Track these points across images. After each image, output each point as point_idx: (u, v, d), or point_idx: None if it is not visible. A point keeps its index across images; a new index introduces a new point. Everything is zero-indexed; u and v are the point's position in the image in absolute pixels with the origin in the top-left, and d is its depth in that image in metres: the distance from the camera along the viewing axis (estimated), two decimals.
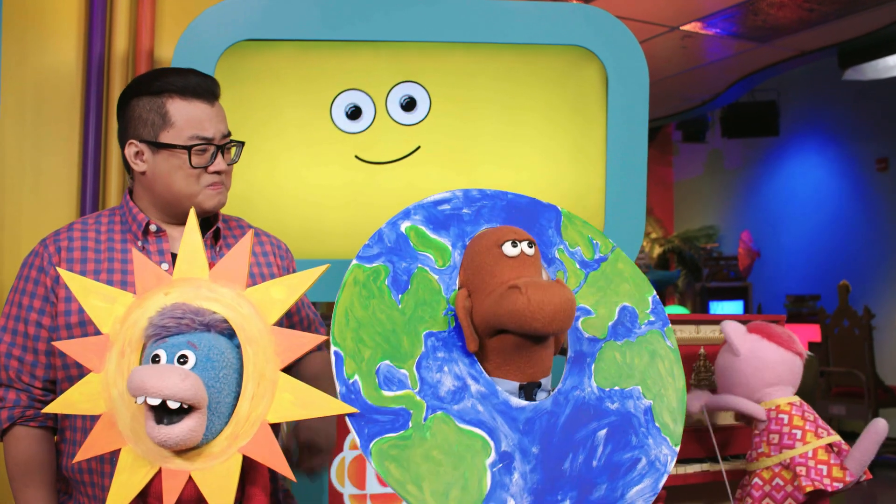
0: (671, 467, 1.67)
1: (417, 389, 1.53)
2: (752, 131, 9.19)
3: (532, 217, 1.78)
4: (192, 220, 1.56)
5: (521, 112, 2.67)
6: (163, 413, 1.35)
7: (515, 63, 2.65)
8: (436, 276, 1.64)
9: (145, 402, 1.33)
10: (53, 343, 1.60)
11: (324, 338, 1.48)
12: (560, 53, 2.65)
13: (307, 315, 2.08)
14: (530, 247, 1.60)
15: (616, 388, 1.70)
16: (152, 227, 1.88)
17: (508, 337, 1.56)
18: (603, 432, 1.64)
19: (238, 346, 1.45)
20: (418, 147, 2.61)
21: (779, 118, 9.15)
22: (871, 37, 6.79)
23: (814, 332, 8.00)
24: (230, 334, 1.45)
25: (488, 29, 2.58)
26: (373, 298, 1.57)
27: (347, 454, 2.57)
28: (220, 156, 1.85)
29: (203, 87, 1.85)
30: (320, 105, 2.58)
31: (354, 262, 1.60)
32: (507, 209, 1.76)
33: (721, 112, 9.28)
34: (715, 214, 10.79)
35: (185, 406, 1.34)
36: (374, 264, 1.60)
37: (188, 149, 1.81)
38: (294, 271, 2.06)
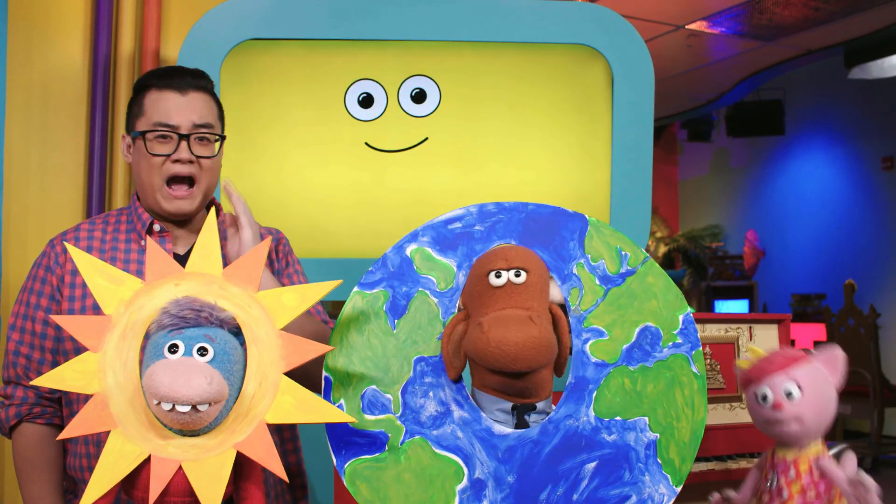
0: None
1: (399, 414, 1.56)
2: (758, 130, 9.17)
3: (553, 229, 1.70)
4: (211, 216, 1.56)
5: (527, 110, 2.67)
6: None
7: (522, 62, 2.65)
8: (435, 300, 1.62)
9: (172, 408, 1.33)
10: (52, 316, 1.59)
11: (330, 348, 1.50)
12: (566, 52, 2.66)
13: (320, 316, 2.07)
14: (518, 275, 1.55)
15: (617, 418, 1.61)
16: (156, 227, 1.88)
17: (492, 375, 1.54)
18: (592, 465, 1.59)
19: (243, 345, 1.46)
20: (426, 138, 2.61)
21: (784, 117, 9.13)
22: (877, 35, 6.78)
23: (819, 331, 7.99)
24: (237, 332, 1.46)
25: (494, 27, 2.59)
26: (368, 324, 1.60)
27: None
28: (185, 145, 1.82)
29: (178, 79, 1.86)
30: (333, 93, 2.58)
31: (356, 289, 1.62)
32: (524, 222, 1.70)
33: (726, 111, 9.27)
34: (720, 213, 10.77)
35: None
36: (374, 290, 1.62)
37: (143, 134, 1.82)
38: (291, 262, 2.05)
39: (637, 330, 1.66)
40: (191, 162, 1.82)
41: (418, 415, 1.57)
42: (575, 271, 1.69)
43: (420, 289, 1.63)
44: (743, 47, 7.14)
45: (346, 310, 1.60)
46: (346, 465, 1.53)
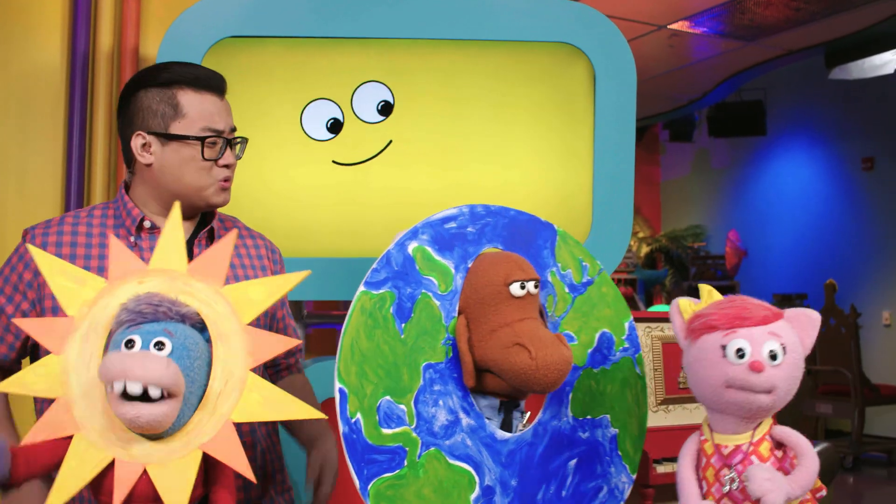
0: (627, 494, 1.70)
1: (414, 426, 1.54)
2: (739, 131, 9.20)
3: (531, 237, 1.75)
4: (176, 213, 1.52)
5: (508, 110, 2.66)
6: (136, 400, 1.30)
7: (502, 60, 2.63)
8: (437, 303, 1.62)
9: (123, 389, 1.28)
10: (13, 321, 1.56)
11: (297, 342, 1.47)
12: (547, 51, 2.64)
13: (285, 322, 2.05)
14: (536, 287, 1.59)
15: (588, 416, 1.71)
16: (146, 224, 1.84)
17: (503, 382, 1.56)
18: (573, 462, 1.67)
19: (209, 341, 1.42)
20: (390, 141, 2.59)
21: (765, 117, 9.16)
22: (858, 36, 6.81)
23: None
24: (202, 328, 1.43)
25: (475, 26, 2.57)
26: (377, 329, 1.56)
27: None
28: (228, 149, 1.84)
29: (214, 80, 1.85)
30: (292, 117, 2.56)
31: (362, 288, 1.58)
32: (508, 227, 1.73)
33: (708, 111, 9.30)
34: (702, 214, 10.80)
35: (165, 394, 1.31)
36: (380, 291, 1.59)
37: (202, 140, 1.79)
38: (283, 268, 2.04)
39: (597, 335, 1.77)
40: (230, 165, 1.86)
41: (431, 425, 1.55)
42: (549, 279, 1.74)
43: (423, 291, 1.61)
44: (724, 47, 7.16)
45: (354, 313, 1.55)
46: (369, 487, 1.48)
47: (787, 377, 1.48)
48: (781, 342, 1.48)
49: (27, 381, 1.41)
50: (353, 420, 1.50)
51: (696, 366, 1.51)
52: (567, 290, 1.76)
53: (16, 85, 2.77)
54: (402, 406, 1.54)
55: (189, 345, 1.37)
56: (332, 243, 2.55)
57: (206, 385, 1.40)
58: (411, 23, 2.54)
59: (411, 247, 1.63)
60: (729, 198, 10.44)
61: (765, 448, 1.50)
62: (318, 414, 1.43)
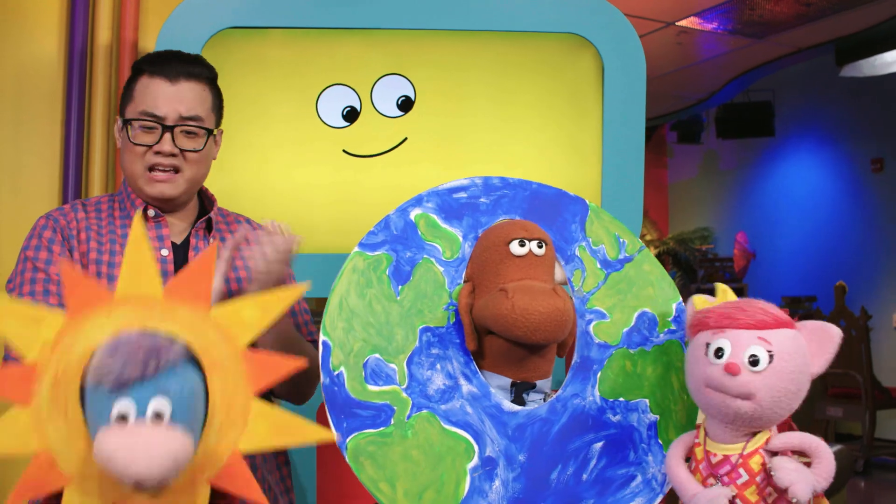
0: (667, 488, 1.56)
1: (405, 386, 1.49)
2: (747, 132, 9.16)
3: (556, 210, 1.70)
4: (138, 225, 1.27)
5: (512, 103, 2.59)
6: None
7: (507, 52, 2.57)
8: (441, 269, 1.59)
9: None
10: None
11: (301, 361, 1.27)
12: (553, 41, 2.58)
13: (301, 320, 1.98)
14: (540, 246, 1.54)
15: (621, 399, 1.61)
16: (150, 213, 1.81)
17: (500, 339, 1.51)
18: (599, 445, 1.57)
19: (200, 370, 1.25)
20: (405, 139, 2.54)
21: (774, 118, 9.12)
22: (869, 32, 6.74)
23: None
24: (190, 357, 1.24)
25: (478, 16, 2.51)
26: (370, 288, 1.53)
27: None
28: (169, 137, 1.76)
29: (170, 65, 1.79)
30: (306, 101, 2.51)
31: (356, 249, 1.56)
32: (530, 200, 1.69)
33: (716, 112, 9.26)
34: (710, 216, 10.76)
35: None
36: (376, 252, 1.56)
37: (129, 122, 1.77)
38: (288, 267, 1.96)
39: (636, 314, 1.67)
40: (173, 155, 1.77)
41: (425, 388, 1.50)
42: (577, 253, 1.68)
43: (425, 256, 1.59)
44: (733, 45, 7.11)
45: (346, 270, 1.52)
46: (348, 440, 1.42)
47: (769, 386, 1.40)
48: (769, 349, 1.40)
49: None
50: (336, 373, 1.46)
51: (687, 363, 1.50)
52: (599, 265, 1.69)
53: (10, 81, 2.72)
54: (393, 365, 1.50)
55: (186, 394, 1.19)
56: (332, 240, 2.50)
57: (205, 420, 1.24)
58: (412, 13, 2.49)
59: (414, 213, 1.62)
60: (737, 200, 10.40)
61: (755, 462, 1.43)
62: (332, 436, 1.34)
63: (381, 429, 1.46)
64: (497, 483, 1.49)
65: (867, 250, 8.62)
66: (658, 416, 1.62)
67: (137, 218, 1.28)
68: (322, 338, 1.46)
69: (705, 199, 10.87)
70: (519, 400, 1.55)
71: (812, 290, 9.01)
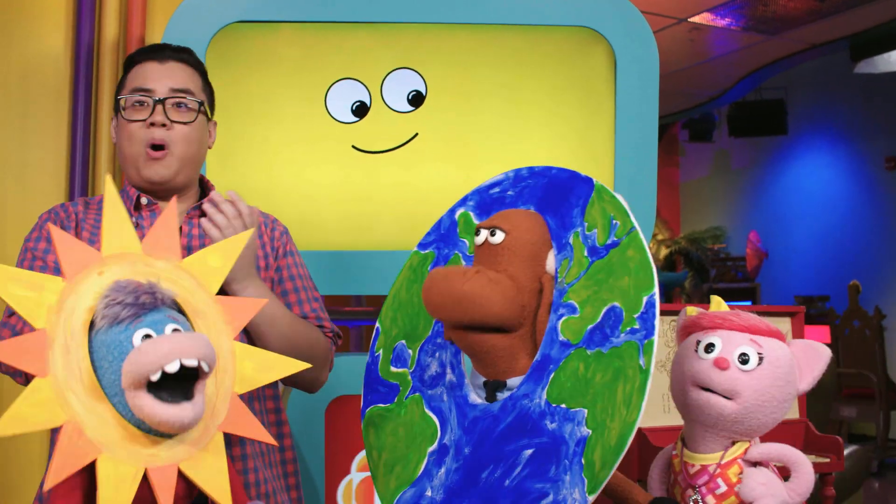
0: None
1: (412, 370, 1.62)
2: (760, 130, 9.11)
3: (564, 196, 1.62)
4: (111, 189, 1.36)
5: (523, 99, 2.56)
6: (166, 392, 1.19)
7: (519, 45, 2.54)
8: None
9: (159, 382, 1.17)
10: None
11: (264, 301, 1.47)
12: (566, 35, 2.54)
13: (309, 308, 1.93)
14: (493, 234, 1.50)
15: (563, 405, 1.45)
16: (143, 200, 1.83)
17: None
18: (529, 452, 1.44)
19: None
20: (416, 134, 2.51)
21: (786, 116, 9.06)
22: (883, 28, 6.69)
23: (823, 333, 7.90)
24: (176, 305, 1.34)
25: (490, 8, 2.47)
26: (416, 283, 1.67)
27: (355, 476, 2.46)
28: (161, 109, 1.77)
29: (160, 51, 1.84)
30: (315, 96, 2.49)
31: (414, 249, 1.70)
32: (545, 188, 1.65)
33: (728, 111, 9.20)
34: (722, 215, 10.72)
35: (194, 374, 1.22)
36: (426, 251, 1.69)
37: (122, 106, 1.79)
38: (287, 244, 1.94)
39: (604, 310, 1.49)
40: (164, 126, 1.77)
41: (423, 373, 1.61)
42: (570, 241, 1.58)
43: (455, 251, 1.66)
44: (746, 41, 7.07)
45: (404, 270, 1.70)
46: (367, 410, 1.63)
47: (755, 387, 1.37)
48: (759, 351, 1.39)
49: (24, 414, 1.19)
50: (376, 354, 1.67)
51: (674, 365, 1.46)
52: (586, 253, 1.54)
53: (17, 76, 2.70)
54: (410, 351, 1.64)
55: (188, 327, 1.30)
56: (340, 237, 2.49)
57: None
58: (422, 7, 2.45)
59: (458, 213, 1.70)
60: (749, 199, 10.36)
61: (733, 473, 1.40)
62: (305, 365, 1.44)
63: (388, 404, 1.62)
64: (442, 470, 1.51)
65: (881, 249, 8.56)
66: (590, 432, 1.41)
67: (108, 180, 1.36)
68: (377, 324, 1.67)
69: (717, 198, 10.83)
70: (491, 398, 1.50)
71: (825, 290, 8.96)
